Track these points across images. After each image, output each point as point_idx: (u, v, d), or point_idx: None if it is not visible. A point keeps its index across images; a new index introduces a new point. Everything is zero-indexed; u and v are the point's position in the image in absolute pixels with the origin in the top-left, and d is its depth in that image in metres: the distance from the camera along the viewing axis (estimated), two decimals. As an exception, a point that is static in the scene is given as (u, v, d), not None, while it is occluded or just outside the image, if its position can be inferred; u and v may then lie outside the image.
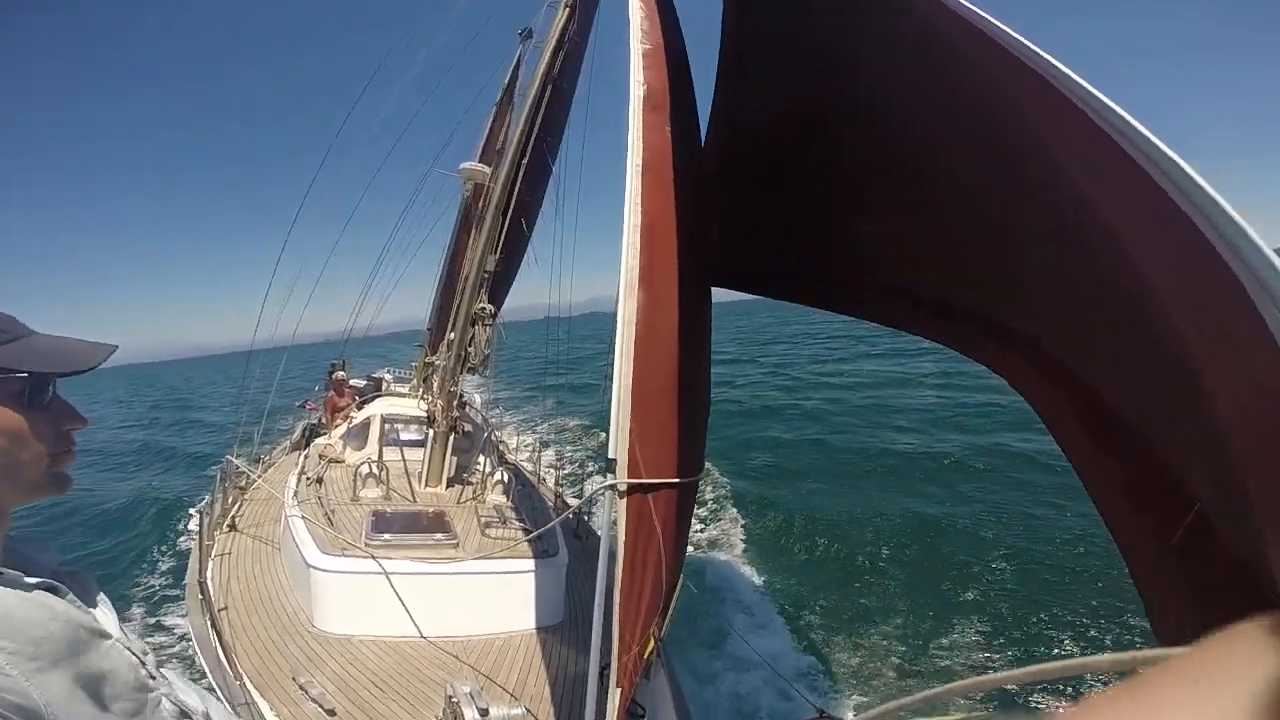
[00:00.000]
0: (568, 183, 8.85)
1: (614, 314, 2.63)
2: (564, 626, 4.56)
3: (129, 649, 0.80)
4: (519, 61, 11.69)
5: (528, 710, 3.37)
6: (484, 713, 3.00)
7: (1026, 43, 1.61)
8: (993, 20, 1.69)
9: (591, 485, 9.83)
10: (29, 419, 0.75)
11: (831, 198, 3.41)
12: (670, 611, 3.23)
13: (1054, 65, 1.57)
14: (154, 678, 0.82)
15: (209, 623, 4.13)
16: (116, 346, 0.84)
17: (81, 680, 0.70)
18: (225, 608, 4.34)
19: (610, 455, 2.50)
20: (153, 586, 8.48)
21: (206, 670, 4.27)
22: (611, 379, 2.51)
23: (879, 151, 2.92)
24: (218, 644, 3.90)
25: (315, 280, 9.55)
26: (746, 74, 3.73)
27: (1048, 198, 1.92)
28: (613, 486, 2.56)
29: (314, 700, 3.44)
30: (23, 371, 0.74)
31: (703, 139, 4.02)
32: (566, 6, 6.72)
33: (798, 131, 3.45)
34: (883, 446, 12.77)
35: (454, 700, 3.07)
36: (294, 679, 3.63)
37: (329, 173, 10.20)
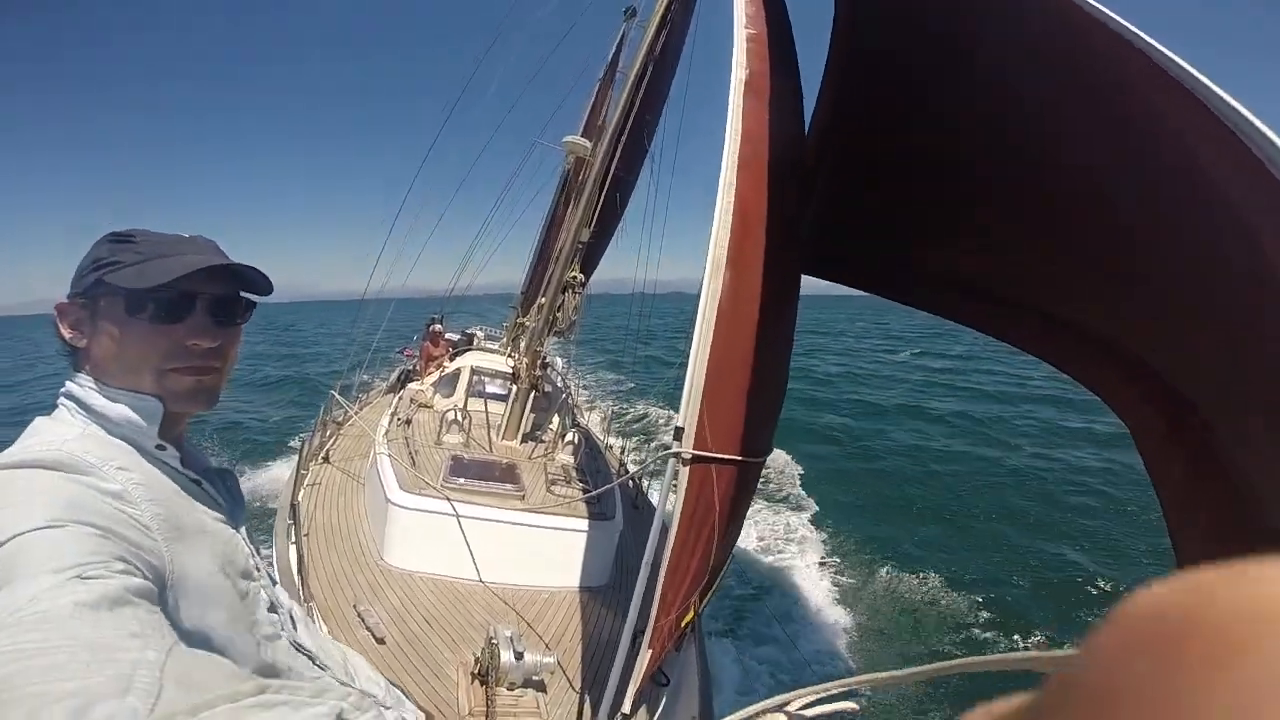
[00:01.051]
0: (663, 161, 8.93)
1: (698, 295, 2.73)
2: (607, 589, 4.69)
3: (244, 542, 0.96)
4: (622, 39, 11.79)
5: (559, 661, 3.50)
6: (519, 656, 3.14)
7: (1170, 54, 1.55)
8: (1122, 20, 1.63)
9: (652, 455, 10.01)
10: (140, 328, 0.82)
11: (937, 194, 3.31)
12: (715, 587, 3.31)
13: (1195, 77, 1.51)
14: (258, 569, 0.97)
15: (292, 547, 4.44)
16: (212, 264, 0.85)
17: (207, 556, 0.84)
18: (307, 534, 4.64)
19: (679, 424, 2.63)
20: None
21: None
22: (689, 353, 2.62)
23: (994, 149, 2.81)
24: (295, 567, 4.19)
25: (425, 239, 10.28)
26: (857, 65, 3.65)
27: (1186, 215, 1.81)
28: (677, 454, 2.68)
29: (368, 628, 3.65)
30: (124, 288, 0.81)
31: (807, 128, 3.98)
32: None
33: (908, 124, 3.36)
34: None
35: (493, 641, 3.23)
36: (354, 606, 3.86)
37: (445, 140, 10.85)
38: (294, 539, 4.52)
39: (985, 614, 6.77)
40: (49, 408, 0.85)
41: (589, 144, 8.59)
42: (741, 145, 2.96)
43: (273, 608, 0.98)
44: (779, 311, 3.41)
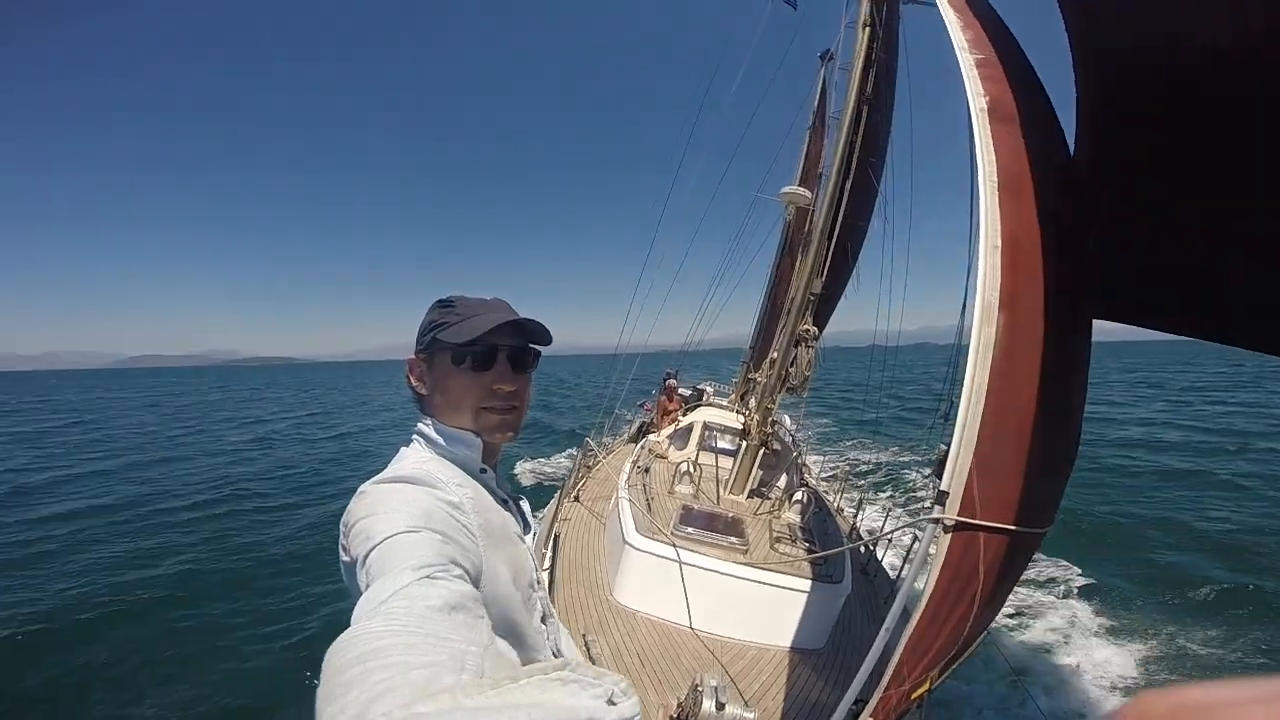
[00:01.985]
0: (895, 205, 8.40)
1: (951, 345, 2.49)
2: (822, 654, 4.41)
3: (532, 556, 1.14)
4: (825, 84, 11.60)
5: (757, 717, 3.36)
6: (720, 707, 3.10)
7: None
8: None
9: (897, 521, 9.02)
10: (462, 376, 1.03)
11: (1246, 202, 2.53)
12: (958, 663, 2.88)
13: None
14: (539, 582, 1.14)
15: (545, 575, 4.95)
16: (510, 322, 1.03)
17: (507, 563, 1.00)
18: (553, 565, 5.16)
19: (943, 487, 2.38)
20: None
21: None
22: (953, 410, 2.38)
23: None
24: (549, 594, 4.76)
25: (664, 298, 11.21)
26: (1103, 69, 3.06)
27: None
28: (939, 520, 2.42)
29: (591, 658, 3.86)
30: (449, 344, 1.02)
31: (1071, 148, 3.43)
32: (865, 26, 6.49)
33: (1190, 122, 2.66)
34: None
35: (699, 689, 3.21)
36: (583, 635, 4.14)
37: (673, 206, 11.83)
38: (548, 566, 5.04)
39: None
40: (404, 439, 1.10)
41: (809, 193, 8.53)
42: (999, 176, 2.68)
43: (544, 618, 1.14)
44: (1066, 361, 2.89)
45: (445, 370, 1.04)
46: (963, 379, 2.39)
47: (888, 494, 12.98)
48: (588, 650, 4.03)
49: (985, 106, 2.87)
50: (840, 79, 8.08)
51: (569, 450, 18.02)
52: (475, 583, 0.85)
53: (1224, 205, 2.84)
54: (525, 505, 1.21)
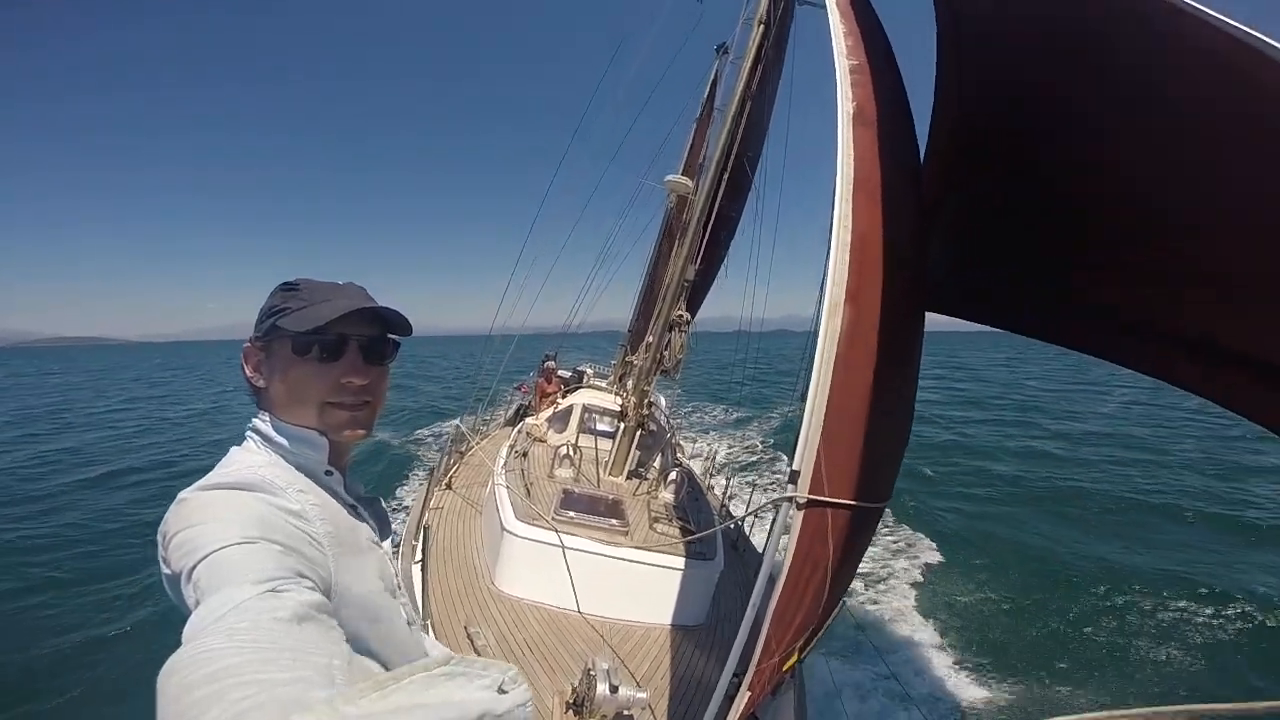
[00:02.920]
0: (767, 198, 8.89)
1: (807, 333, 2.65)
2: (702, 629, 4.63)
3: (390, 560, 1.07)
4: (717, 76, 12.03)
5: (650, 698, 3.49)
6: (614, 689, 3.17)
7: None
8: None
9: (760, 497, 9.71)
10: (305, 367, 0.94)
11: (1071, 217, 3.01)
12: (821, 633, 3.16)
13: None
14: (400, 588, 1.07)
15: (416, 567, 4.71)
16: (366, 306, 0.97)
17: (361, 573, 0.93)
18: (429, 556, 4.95)
19: (794, 467, 2.53)
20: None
21: None
22: (805, 393, 2.53)
23: (1134, 163, 2.51)
24: (420, 588, 4.45)
25: (543, 279, 10.96)
26: (965, 87, 3.45)
27: None
28: (791, 498, 2.58)
29: (476, 650, 3.81)
30: (290, 332, 0.92)
31: (922, 156, 3.81)
32: (761, 24, 6.79)
33: (1028, 147, 3.10)
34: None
35: (591, 673, 3.27)
36: (465, 627, 4.05)
37: (557, 188, 11.60)
38: (419, 559, 4.81)
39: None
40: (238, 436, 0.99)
41: (690, 182, 8.76)
42: (855, 178, 2.88)
43: (409, 622, 1.07)
44: (902, 350, 3.21)
45: (286, 360, 0.94)
46: (813, 367, 2.55)
47: (753, 473, 13.87)
48: (472, 642, 3.92)
49: (852, 111, 3.05)
50: (731, 71, 8.31)
51: (428, 429, 17.26)
52: (326, 596, 0.78)
53: (1036, 215, 3.32)
54: (383, 507, 1.13)
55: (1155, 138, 2.37)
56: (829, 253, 2.68)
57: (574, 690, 3.45)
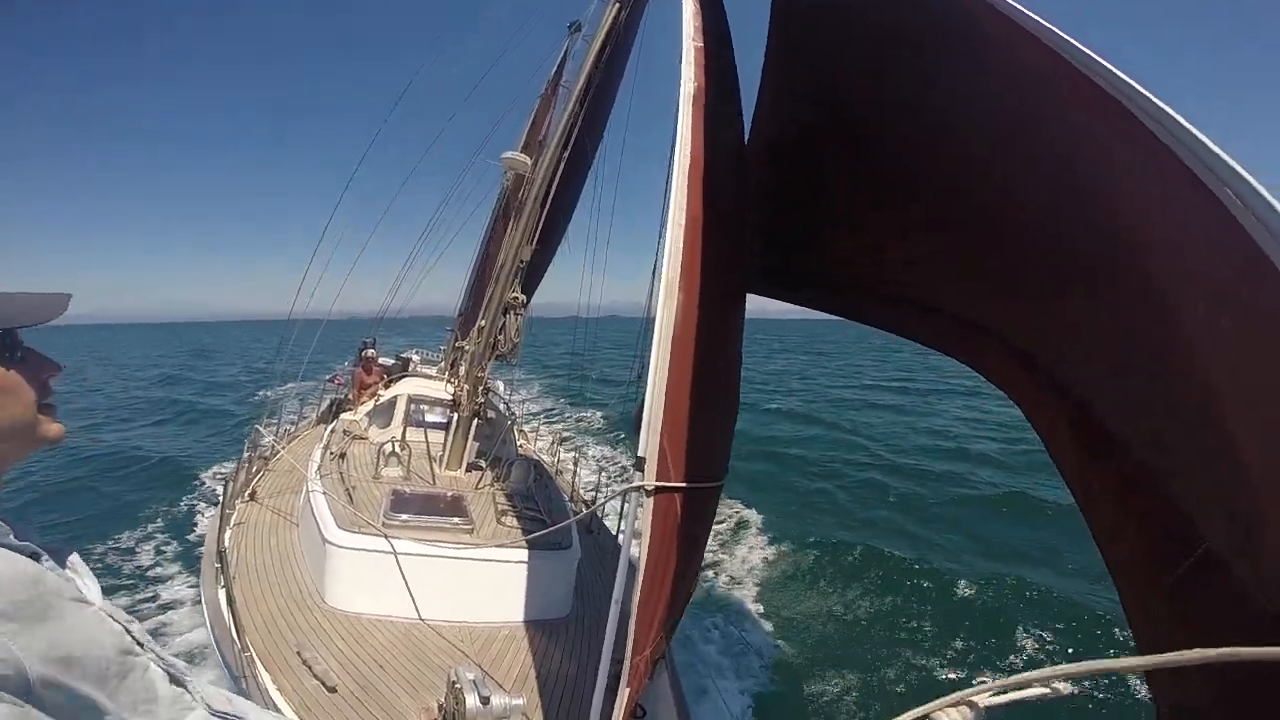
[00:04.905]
0: (604, 179, 8.86)
1: (636, 319, 2.60)
2: (570, 621, 4.55)
3: (111, 616, 0.80)
4: (566, 54, 11.75)
5: (527, 703, 3.36)
6: (485, 700, 2.99)
7: (1094, 55, 1.56)
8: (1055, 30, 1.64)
9: (608, 484, 9.82)
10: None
11: (866, 205, 3.35)
12: (682, 614, 3.21)
13: (1108, 69, 1.54)
14: (140, 644, 0.82)
15: (223, 592, 4.13)
16: (70, 295, 0.84)
17: (62, 643, 0.69)
18: (235, 578, 4.36)
19: (640, 454, 2.48)
20: (153, 545, 8.34)
21: (214, 640, 4.25)
22: (645, 380, 2.48)
23: (923, 158, 2.85)
24: (229, 614, 3.90)
25: (355, 258, 9.74)
26: (791, 73, 3.67)
27: (1094, 219, 1.86)
28: (640, 487, 2.53)
29: (317, 676, 3.45)
30: None
31: (747, 139, 3.97)
32: (616, 2, 6.73)
33: (839, 136, 3.39)
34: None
35: (457, 686, 3.08)
36: (299, 653, 3.63)
37: (375, 155, 10.38)
38: (223, 582, 4.22)
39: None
40: None
41: (529, 160, 8.44)
42: (690, 160, 2.87)
43: (175, 680, 0.85)
44: (728, 332, 3.34)
45: None
46: (651, 351, 2.52)
47: (600, 453, 14.03)
48: (310, 668, 3.49)
49: (692, 93, 3.03)
50: (580, 49, 8.08)
51: (216, 432, 14.92)
52: (18, 690, 0.61)
53: (829, 215, 3.63)
54: (75, 559, 0.86)
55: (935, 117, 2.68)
56: (663, 235, 2.65)
57: (440, 707, 3.20)
